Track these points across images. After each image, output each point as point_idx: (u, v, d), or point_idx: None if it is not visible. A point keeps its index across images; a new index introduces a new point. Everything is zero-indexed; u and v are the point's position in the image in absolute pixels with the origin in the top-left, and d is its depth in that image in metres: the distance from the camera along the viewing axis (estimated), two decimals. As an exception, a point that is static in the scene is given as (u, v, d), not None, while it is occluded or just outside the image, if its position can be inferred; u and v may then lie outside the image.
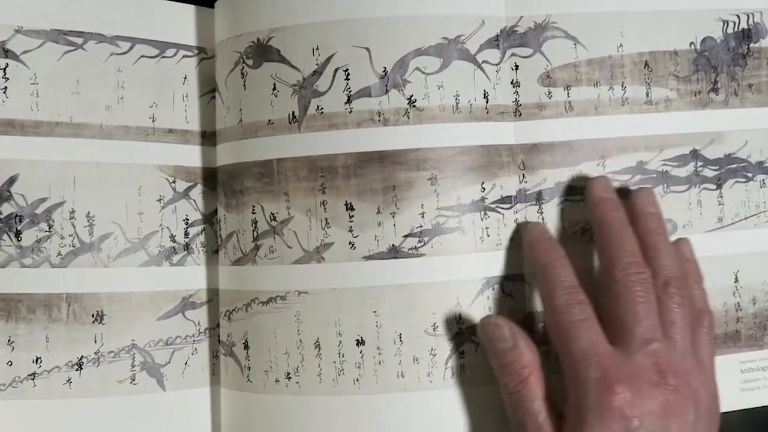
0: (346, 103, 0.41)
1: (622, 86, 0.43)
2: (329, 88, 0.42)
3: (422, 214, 0.41)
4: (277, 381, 0.42)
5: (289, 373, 0.42)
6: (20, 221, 0.43)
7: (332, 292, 0.41)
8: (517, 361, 0.38)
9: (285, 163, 0.42)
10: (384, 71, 0.41)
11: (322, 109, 0.42)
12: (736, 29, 0.45)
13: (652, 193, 0.42)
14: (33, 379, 0.42)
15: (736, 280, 0.44)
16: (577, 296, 0.38)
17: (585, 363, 0.36)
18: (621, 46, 0.43)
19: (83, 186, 0.44)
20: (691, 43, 0.44)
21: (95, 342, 0.43)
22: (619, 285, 0.38)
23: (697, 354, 0.39)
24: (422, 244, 0.41)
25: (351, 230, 0.41)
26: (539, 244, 0.41)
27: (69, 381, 0.43)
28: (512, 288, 0.42)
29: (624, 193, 0.43)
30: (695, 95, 0.44)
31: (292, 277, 0.42)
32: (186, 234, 0.46)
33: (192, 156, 0.46)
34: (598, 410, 0.35)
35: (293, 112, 0.42)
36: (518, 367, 0.38)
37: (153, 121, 0.46)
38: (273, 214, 0.43)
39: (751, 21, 0.45)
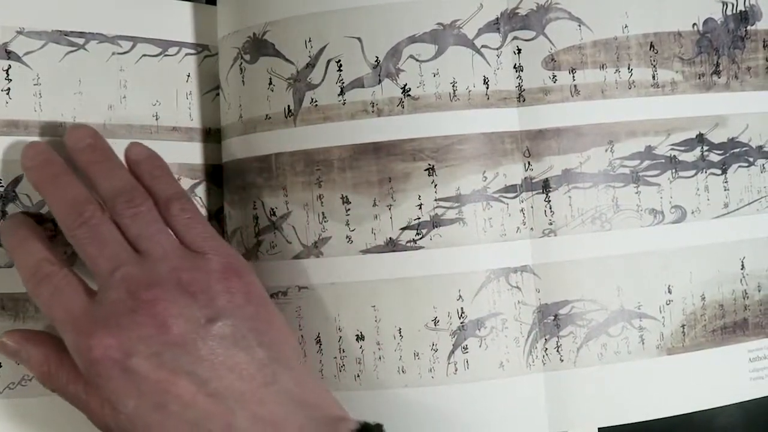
0: (339, 95, 0.41)
1: (629, 68, 0.41)
2: (322, 80, 0.41)
3: (419, 206, 0.40)
4: (281, 378, 0.42)
5: (292, 370, 0.42)
6: (26, 221, 0.43)
7: (331, 286, 0.41)
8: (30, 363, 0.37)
9: (282, 158, 0.42)
10: (376, 60, 0.40)
11: (316, 101, 0.41)
12: (734, 11, 0.43)
13: (83, 128, 0.40)
14: (42, 377, 0.43)
15: (743, 267, 0.42)
16: (43, 271, 0.36)
17: (66, 334, 0.35)
18: (626, 27, 0.41)
19: (87, 185, 0.44)
20: (694, 24, 0.43)
21: (103, 340, 0.43)
22: (71, 239, 0.36)
23: (187, 243, 0.37)
24: (420, 236, 0.40)
25: (348, 224, 0.41)
26: (11, 228, 0.39)
27: (77, 379, 0.43)
28: (520, 280, 0.40)
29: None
30: (699, 78, 0.43)
31: (292, 272, 0.42)
32: (192, 231, 0.46)
33: (197, 153, 0.46)
34: (91, 373, 0.33)
35: (289, 106, 0.42)
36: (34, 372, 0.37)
37: (156, 119, 0.45)
38: (273, 209, 0.42)
39: (747, 3, 0.44)
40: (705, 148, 0.42)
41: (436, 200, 0.40)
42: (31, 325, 0.43)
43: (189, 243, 0.37)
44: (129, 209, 0.37)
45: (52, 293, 0.36)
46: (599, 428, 0.41)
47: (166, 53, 0.46)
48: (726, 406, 0.42)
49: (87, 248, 0.36)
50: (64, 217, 0.37)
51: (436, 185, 0.40)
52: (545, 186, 0.41)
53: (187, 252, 0.36)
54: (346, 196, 0.41)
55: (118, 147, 0.45)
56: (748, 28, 0.44)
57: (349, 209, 0.41)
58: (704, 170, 0.42)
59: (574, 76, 0.41)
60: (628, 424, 0.41)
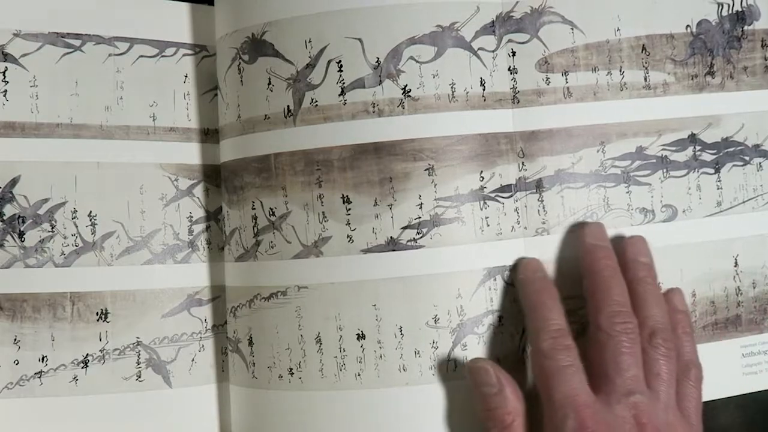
0: (339, 95, 0.41)
1: (621, 71, 0.43)
2: (323, 80, 0.41)
3: (420, 206, 0.41)
4: (280, 377, 0.42)
5: (291, 369, 0.42)
6: (23, 222, 0.43)
7: (331, 286, 0.41)
8: (502, 407, 0.38)
9: (282, 158, 0.42)
10: (377, 61, 0.41)
11: (316, 102, 0.41)
12: (730, 11, 0.44)
13: (643, 242, 0.42)
14: (39, 377, 0.43)
15: (736, 264, 0.44)
16: (564, 341, 0.38)
17: (563, 411, 0.36)
18: (618, 30, 0.43)
19: (84, 186, 0.44)
20: (687, 26, 0.44)
21: (100, 340, 0.44)
22: (603, 334, 0.38)
23: (681, 407, 0.39)
24: (421, 235, 0.41)
25: (348, 223, 0.41)
26: (532, 282, 0.40)
27: (75, 379, 0.43)
28: (515, 278, 0.41)
29: (617, 240, 0.42)
30: (692, 79, 0.44)
31: (292, 272, 0.42)
32: (190, 231, 0.46)
33: (195, 153, 0.46)
34: None
35: (288, 106, 0.42)
36: (502, 414, 0.38)
37: (153, 120, 0.46)
38: (272, 209, 0.43)
39: (744, 3, 0.45)
40: (697, 147, 0.43)
41: (435, 200, 0.41)
42: (28, 325, 0.43)
43: (680, 407, 0.39)
44: (665, 348, 0.39)
45: (565, 367, 0.37)
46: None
47: (164, 54, 0.46)
48: (725, 406, 0.43)
49: (620, 356, 0.37)
50: (606, 310, 0.39)
51: (435, 185, 0.41)
52: (538, 186, 0.42)
53: (683, 415, 0.39)
54: (347, 196, 0.41)
55: (117, 148, 0.45)
56: (746, 28, 0.45)
57: (349, 209, 0.41)
58: (696, 170, 0.43)
59: (566, 79, 0.42)
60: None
